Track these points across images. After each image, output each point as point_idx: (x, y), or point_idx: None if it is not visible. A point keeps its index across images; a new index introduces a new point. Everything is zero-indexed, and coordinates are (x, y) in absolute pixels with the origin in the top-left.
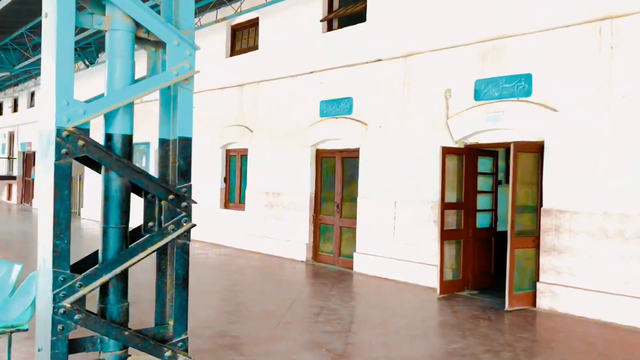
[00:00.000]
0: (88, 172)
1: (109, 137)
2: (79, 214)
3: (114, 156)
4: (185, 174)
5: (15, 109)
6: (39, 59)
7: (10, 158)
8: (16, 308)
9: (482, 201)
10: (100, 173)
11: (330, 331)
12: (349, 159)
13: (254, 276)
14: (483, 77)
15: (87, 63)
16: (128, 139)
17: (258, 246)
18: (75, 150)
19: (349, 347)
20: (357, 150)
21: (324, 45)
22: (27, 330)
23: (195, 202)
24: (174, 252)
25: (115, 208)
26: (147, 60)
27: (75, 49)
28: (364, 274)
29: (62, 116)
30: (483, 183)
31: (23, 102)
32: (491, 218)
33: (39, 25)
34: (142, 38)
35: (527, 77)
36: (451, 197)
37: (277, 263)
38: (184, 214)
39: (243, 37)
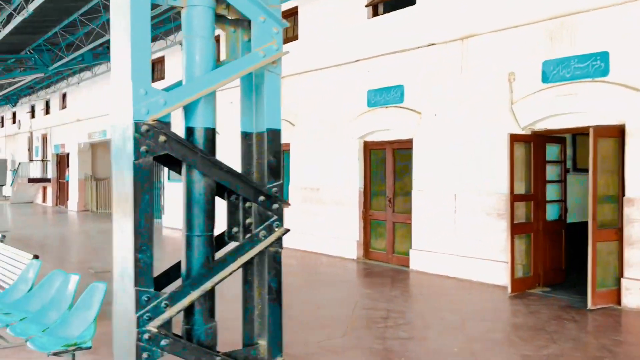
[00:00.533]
0: None
1: (190, 131)
2: None
3: (200, 153)
4: (275, 171)
5: (47, 111)
6: (73, 59)
7: (44, 160)
8: (77, 323)
9: (550, 191)
10: (180, 174)
11: (405, 337)
12: (401, 151)
13: (306, 276)
14: (551, 57)
15: None
16: (211, 133)
17: (305, 244)
18: (157, 147)
19: (430, 356)
20: (409, 141)
21: (369, 32)
22: (90, 348)
23: (289, 204)
24: (262, 261)
25: (200, 213)
26: (225, 42)
27: (107, 47)
28: (422, 272)
29: (141, 107)
30: (551, 172)
31: (55, 103)
32: (560, 209)
33: (73, 23)
34: (220, 16)
35: (603, 56)
36: (520, 188)
37: (328, 262)
38: (275, 217)
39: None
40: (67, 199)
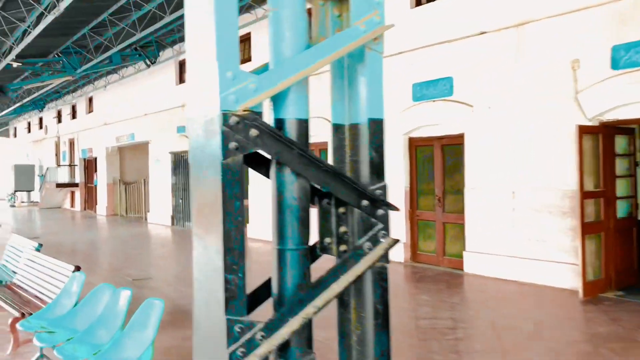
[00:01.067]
0: (151, 173)
1: (279, 123)
2: (146, 219)
3: (297, 150)
4: (378, 169)
5: (74, 116)
6: (101, 61)
7: (71, 165)
8: (132, 345)
9: (620, 186)
10: (266, 175)
11: (481, 350)
12: (451, 147)
13: None
14: (622, 41)
15: (149, 62)
16: (305, 125)
17: None
18: (248, 142)
19: None
20: (460, 136)
21: (413, 22)
22: None
23: (397, 209)
24: (363, 278)
25: (293, 222)
26: (313, 18)
27: (135, 49)
28: (477, 275)
29: (229, 95)
30: (619, 165)
31: (82, 107)
32: (630, 206)
33: (102, 24)
34: None
35: None
36: (588, 184)
37: None
38: (380, 225)
39: None
40: (96, 204)
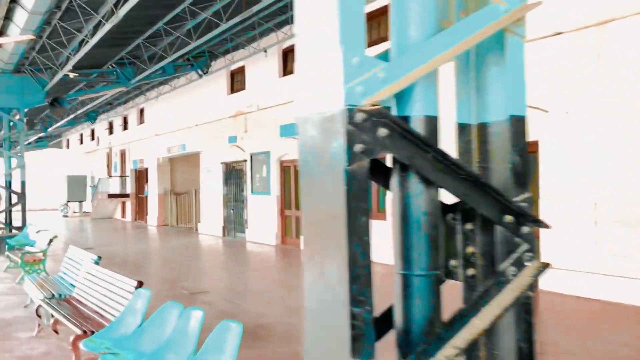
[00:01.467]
0: (202, 184)
1: (404, 121)
2: (196, 229)
3: (433, 153)
4: (521, 177)
5: (125, 127)
6: (155, 71)
7: (122, 176)
8: None
9: None
10: (384, 186)
11: None
12: None
13: None
14: None
15: (201, 72)
16: (434, 124)
17: None
18: (376, 145)
19: None
20: (534, 144)
21: None
22: None
23: (549, 226)
24: None
25: (421, 242)
26: None
27: (188, 59)
28: (553, 292)
29: (355, 87)
30: None
31: (133, 119)
32: None
33: (156, 34)
34: None
35: None
36: None
37: None
38: (526, 246)
39: (380, 25)
40: (147, 214)
